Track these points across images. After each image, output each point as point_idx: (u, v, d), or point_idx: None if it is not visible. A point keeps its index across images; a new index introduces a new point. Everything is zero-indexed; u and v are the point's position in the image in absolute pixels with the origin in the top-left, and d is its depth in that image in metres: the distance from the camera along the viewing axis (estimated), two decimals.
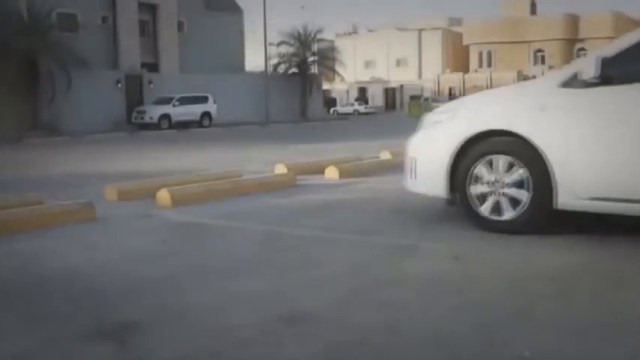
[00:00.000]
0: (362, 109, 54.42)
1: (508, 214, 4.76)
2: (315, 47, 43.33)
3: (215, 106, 31.76)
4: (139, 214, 6.15)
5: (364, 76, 69.43)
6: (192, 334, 2.97)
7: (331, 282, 3.76)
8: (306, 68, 41.86)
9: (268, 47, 38.54)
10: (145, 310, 3.34)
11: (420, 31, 69.80)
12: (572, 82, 4.51)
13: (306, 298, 3.47)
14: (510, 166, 4.74)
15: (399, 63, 70.61)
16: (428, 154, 5.20)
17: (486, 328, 2.96)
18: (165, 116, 29.70)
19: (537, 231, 4.70)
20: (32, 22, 27.63)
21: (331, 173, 8.74)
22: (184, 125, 29.62)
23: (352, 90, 64.99)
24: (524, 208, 4.67)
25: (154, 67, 35.52)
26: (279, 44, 42.10)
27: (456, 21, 72.55)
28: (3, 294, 3.73)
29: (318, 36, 43.73)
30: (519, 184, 4.69)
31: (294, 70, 41.69)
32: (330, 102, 57.80)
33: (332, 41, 59.32)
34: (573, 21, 63.38)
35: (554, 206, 4.58)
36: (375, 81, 67.92)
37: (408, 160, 5.40)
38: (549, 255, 4.24)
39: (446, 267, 4.03)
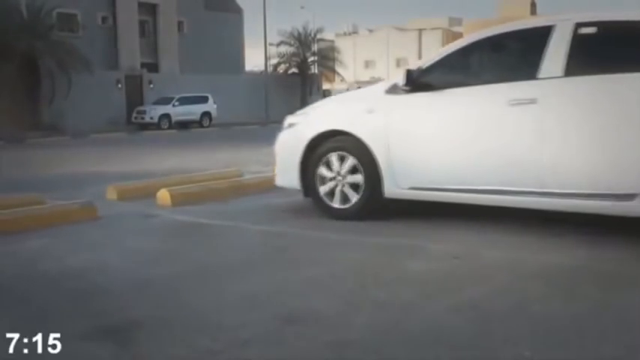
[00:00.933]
0: None
1: (346, 202, 5.48)
2: (315, 47, 43.34)
3: (215, 106, 31.76)
4: (139, 214, 6.15)
5: (364, 76, 69.41)
6: (193, 334, 2.97)
7: (331, 282, 3.76)
8: (306, 68, 41.87)
9: (268, 47, 38.55)
10: (146, 309, 3.35)
11: (420, 31, 69.85)
12: (394, 90, 5.30)
13: (306, 298, 3.47)
14: (349, 161, 5.45)
15: (399, 63, 70.55)
16: (285, 152, 5.98)
17: (486, 328, 2.97)
18: (166, 116, 29.70)
19: (373, 217, 5.37)
20: (32, 22, 27.62)
21: None
22: (184, 125, 29.62)
23: (352, 90, 64.97)
24: (360, 198, 5.41)
25: (154, 67, 35.50)
26: (279, 44, 42.09)
27: (456, 21, 72.53)
28: (4, 293, 3.74)
29: (318, 36, 43.74)
30: (356, 177, 5.42)
31: (294, 70, 41.69)
32: None
33: (332, 41, 59.38)
34: None
35: (383, 195, 5.35)
36: (375, 81, 67.87)
37: (275, 158, 6.18)
38: (549, 255, 4.25)
39: (445, 266, 4.03)
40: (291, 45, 41.93)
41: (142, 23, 35.61)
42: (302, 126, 5.86)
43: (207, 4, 38.93)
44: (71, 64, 27.78)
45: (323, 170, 5.58)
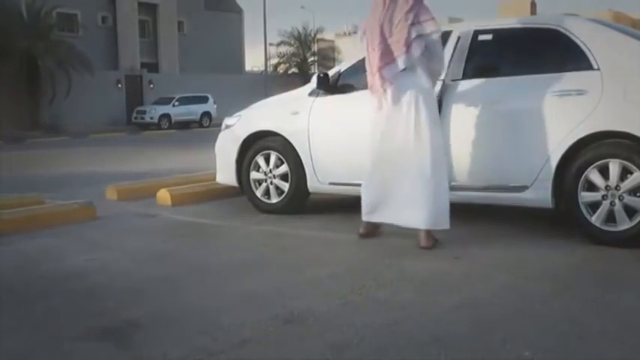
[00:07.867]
0: None
1: (276, 198, 5.89)
2: (315, 47, 43.33)
3: (215, 106, 31.76)
4: (139, 213, 6.15)
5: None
6: (193, 334, 2.97)
7: (331, 282, 3.76)
8: (306, 68, 41.86)
9: (268, 47, 38.55)
10: (145, 310, 3.35)
11: None
12: (315, 92, 5.64)
13: (306, 298, 3.47)
14: (278, 160, 5.84)
15: None
16: (223, 152, 6.31)
17: (486, 328, 2.96)
18: (166, 116, 29.72)
19: (300, 211, 5.82)
20: (32, 22, 27.63)
21: None
22: (184, 125, 29.65)
23: None
24: (288, 193, 5.81)
25: (154, 67, 35.52)
26: (279, 44, 42.09)
27: (456, 21, 72.46)
28: (3, 293, 3.74)
29: (318, 36, 43.74)
30: (284, 174, 5.82)
31: (294, 70, 41.69)
32: None
33: (332, 41, 59.28)
34: None
35: (308, 190, 5.75)
36: None
37: (215, 157, 6.49)
38: (549, 255, 4.25)
39: (445, 266, 4.03)
40: (291, 45, 41.93)
41: (142, 23, 35.64)
42: (236, 127, 6.20)
43: (207, 4, 38.95)
44: (71, 64, 27.78)
45: (255, 167, 5.98)
